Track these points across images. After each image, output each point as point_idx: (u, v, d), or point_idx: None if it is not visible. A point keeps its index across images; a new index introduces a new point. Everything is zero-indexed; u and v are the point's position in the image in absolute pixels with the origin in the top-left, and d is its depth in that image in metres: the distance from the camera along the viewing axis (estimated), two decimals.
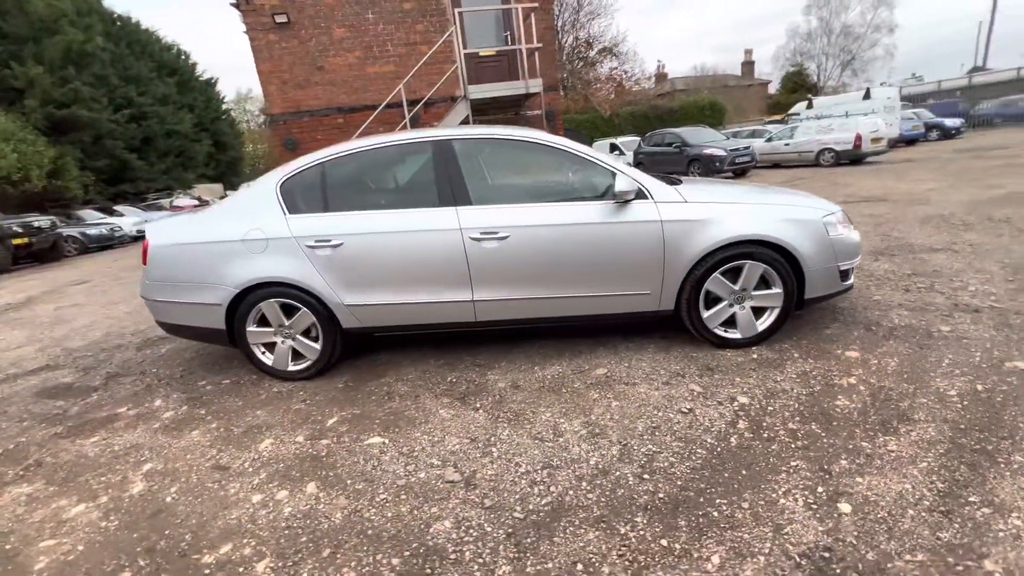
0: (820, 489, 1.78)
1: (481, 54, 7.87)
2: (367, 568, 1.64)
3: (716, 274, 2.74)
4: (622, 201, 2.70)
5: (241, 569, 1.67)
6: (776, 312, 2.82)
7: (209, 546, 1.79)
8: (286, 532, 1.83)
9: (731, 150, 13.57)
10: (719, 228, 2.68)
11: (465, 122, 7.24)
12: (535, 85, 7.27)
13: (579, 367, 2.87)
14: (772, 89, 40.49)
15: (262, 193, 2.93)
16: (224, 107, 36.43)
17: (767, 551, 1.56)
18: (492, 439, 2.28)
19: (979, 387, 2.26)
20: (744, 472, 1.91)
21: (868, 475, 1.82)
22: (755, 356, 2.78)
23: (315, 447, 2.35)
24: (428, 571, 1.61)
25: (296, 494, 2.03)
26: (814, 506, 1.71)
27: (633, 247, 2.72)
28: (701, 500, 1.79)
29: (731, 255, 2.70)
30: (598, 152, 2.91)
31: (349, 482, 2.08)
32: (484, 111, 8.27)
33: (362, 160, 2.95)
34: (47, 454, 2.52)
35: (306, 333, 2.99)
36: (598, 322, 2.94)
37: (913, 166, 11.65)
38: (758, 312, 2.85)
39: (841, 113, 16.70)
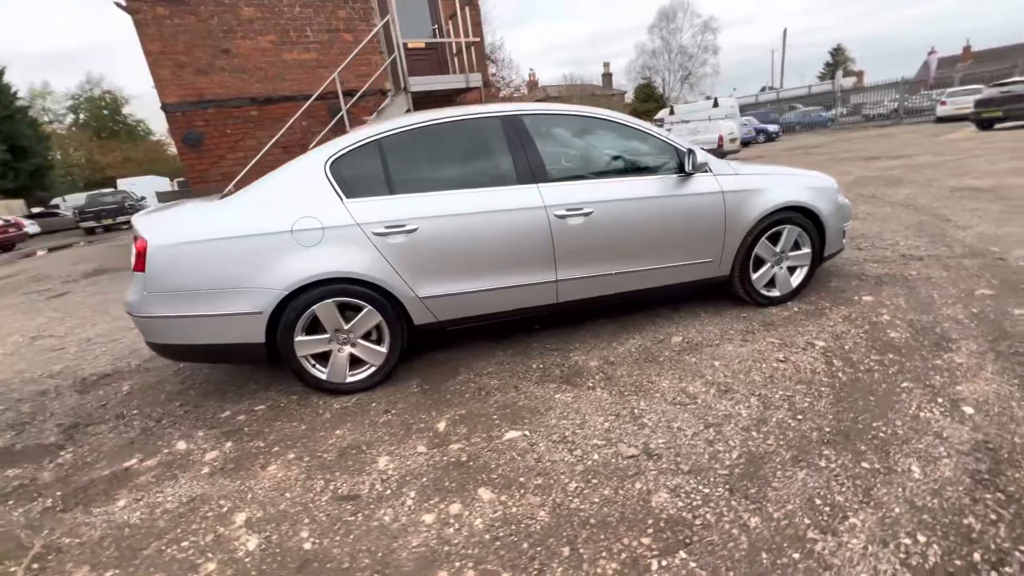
0: (939, 399, 2.11)
1: (410, 45, 7.52)
2: (624, 555, 1.51)
3: (763, 239, 3.05)
4: (688, 174, 2.85)
5: None
6: (806, 270, 3.23)
7: None
8: (498, 544, 1.59)
9: None
10: (768, 197, 2.99)
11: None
12: (475, 79, 7.18)
13: (654, 338, 2.96)
14: (627, 99, 45.39)
15: (307, 175, 2.47)
16: (19, 103, 29.15)
17: (947, 453, 1.80)
18: (635, 411, 2.24)
19: (974, 310, 2.87)
20: (872, 399, 2.17)
21: (962, 383, 2.20)
22: (796, 310, 3.15)
23: (448, 453, 2.06)
24: (686, 540, 1.54)
25: (472, 504, 1.77)
26: (947, 414, 2.02)
27: (701, 217, 2.89)
28: (861, 427, 2.00)
29: (775, 221, 3.03)
30: (658, 128, 3.04)
31: (523, 479, 1.87)
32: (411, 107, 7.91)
33: (425, 136, 2.65)
34: (57, 535, 1.81)
35: (366, 336, 2.59)
36: (666, 293, 3.04)
37: (764, 161, 14.04)
38: (791, 271, 3.23)
39: (701, 118, 19.52)
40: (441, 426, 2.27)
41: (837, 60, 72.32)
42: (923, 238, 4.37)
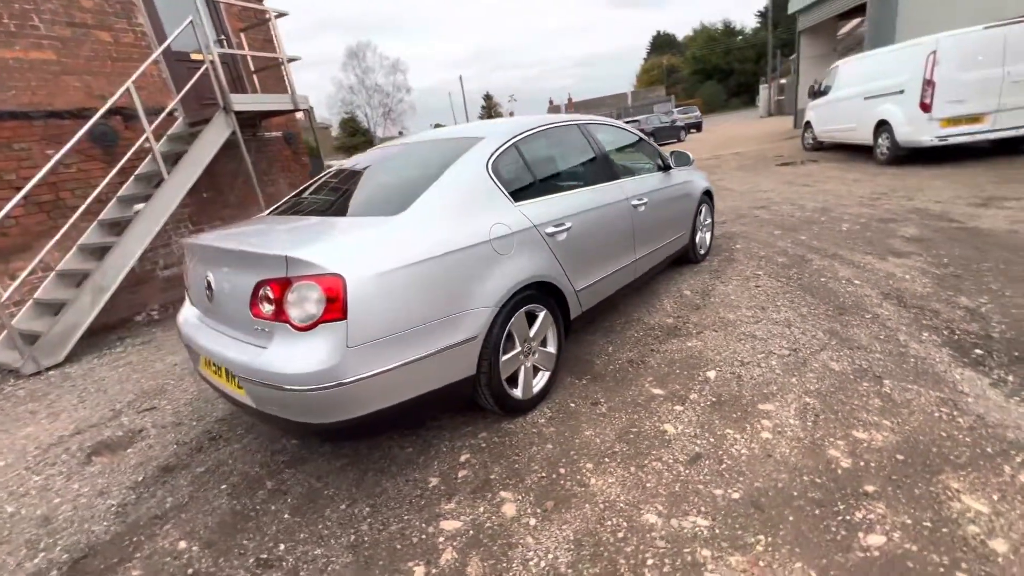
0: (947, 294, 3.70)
1: (193, 57, 6.02)
2: None
3: (699, 216, 4.32)
4: (669, 168, 3.83)
5: None
6: (712, 229, 4.70)
7: None
8: None
9: None
10: (698, 184, 4.26)
11: (233, 139, 5.50)
12: (304, 101, 6.35)
13: (692, 304, 3.80)
14: (333, 133, 44.94)
15: (476, 178, 2.24)
16: None
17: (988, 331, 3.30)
18: (805, 336, 3.02)
19: (915, 233, 4.86)
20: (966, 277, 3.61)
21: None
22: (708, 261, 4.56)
23: (730, 433, 2.36)
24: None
25: (757, 421, 2.21)
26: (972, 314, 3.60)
27: (682, 200, 3.91)
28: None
29: (700, 202, 4.34)
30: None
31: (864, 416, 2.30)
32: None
33: (547, 138, 2.74)
34: None
35: (542, 342, 2.51)
36: (663, 265, 3.90)
37: None
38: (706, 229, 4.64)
39: None
40: (655, 390, 2.51)
41: (490, 104, 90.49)
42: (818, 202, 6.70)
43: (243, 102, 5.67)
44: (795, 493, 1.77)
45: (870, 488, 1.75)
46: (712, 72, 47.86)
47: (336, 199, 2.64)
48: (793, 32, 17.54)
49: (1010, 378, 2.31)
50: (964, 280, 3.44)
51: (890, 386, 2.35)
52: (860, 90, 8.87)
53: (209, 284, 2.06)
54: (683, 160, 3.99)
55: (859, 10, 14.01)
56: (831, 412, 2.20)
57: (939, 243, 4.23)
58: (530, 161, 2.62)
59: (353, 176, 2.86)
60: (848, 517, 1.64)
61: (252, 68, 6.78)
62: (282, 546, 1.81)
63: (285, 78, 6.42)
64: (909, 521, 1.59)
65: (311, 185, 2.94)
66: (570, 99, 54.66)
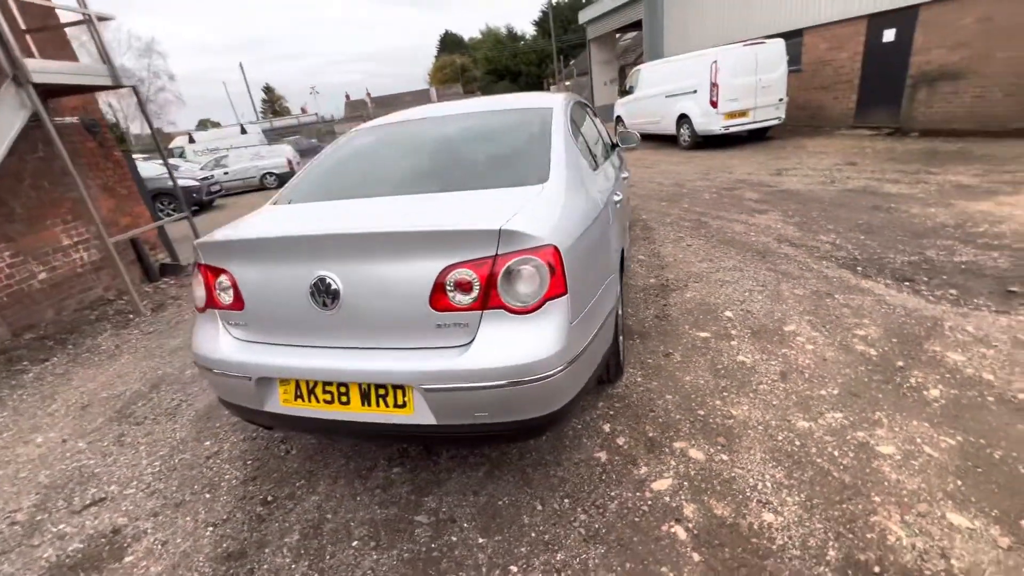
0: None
1: None
2: None
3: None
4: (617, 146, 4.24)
5: None
6: None
7: None
8: None
9: (202, 180, 12.50)
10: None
11: (34, 121, 3.78)
12: (127, 75, 4.72)
13: (657, 265, 4.25)
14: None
15: (570, 144, 2.20)
16: None
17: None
18: (759, 275, 3.62)
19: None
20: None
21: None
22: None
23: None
24: None
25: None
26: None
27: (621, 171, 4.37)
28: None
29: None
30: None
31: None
32: None
33: (575, 112, 2.72)
34: None
35: None
36: None
37: None
38: None
39: (227, 146, 18.48)
40: (701, 334, 2.87)
41: (272, 97, 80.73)
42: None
43: (47, 71, 4.02)
44: (865, 379, 2.32)
45: (900, 363, 2.41)
46: (504, 73, 51.77)
47: (414, 175, 2.22)
48: (570, 40, 20.41)
49: (890, 281, 3.36)
50: (811, 224, 4.73)
51: (842, 299, 3.17)
52: (662, 90, 10.94)
53: (325, 288, 1.56)
54: (626, 139, 4.43)
55: (633, 25, 17.09)
56: (829, 322, 2.87)
57: (776, 202, 5.67)
58: (575, 133, 2.65)
59: (396, 154, 2.46)
60: (906, 383, 2.24)
61: (22, 25, 4.80)
62: (515, 567, 1.56)
63: (95, 41, 4.75)
64: (938, 376, 2.27)
65: (323, 170, 2.42)
66: (368, 94, 52.77)
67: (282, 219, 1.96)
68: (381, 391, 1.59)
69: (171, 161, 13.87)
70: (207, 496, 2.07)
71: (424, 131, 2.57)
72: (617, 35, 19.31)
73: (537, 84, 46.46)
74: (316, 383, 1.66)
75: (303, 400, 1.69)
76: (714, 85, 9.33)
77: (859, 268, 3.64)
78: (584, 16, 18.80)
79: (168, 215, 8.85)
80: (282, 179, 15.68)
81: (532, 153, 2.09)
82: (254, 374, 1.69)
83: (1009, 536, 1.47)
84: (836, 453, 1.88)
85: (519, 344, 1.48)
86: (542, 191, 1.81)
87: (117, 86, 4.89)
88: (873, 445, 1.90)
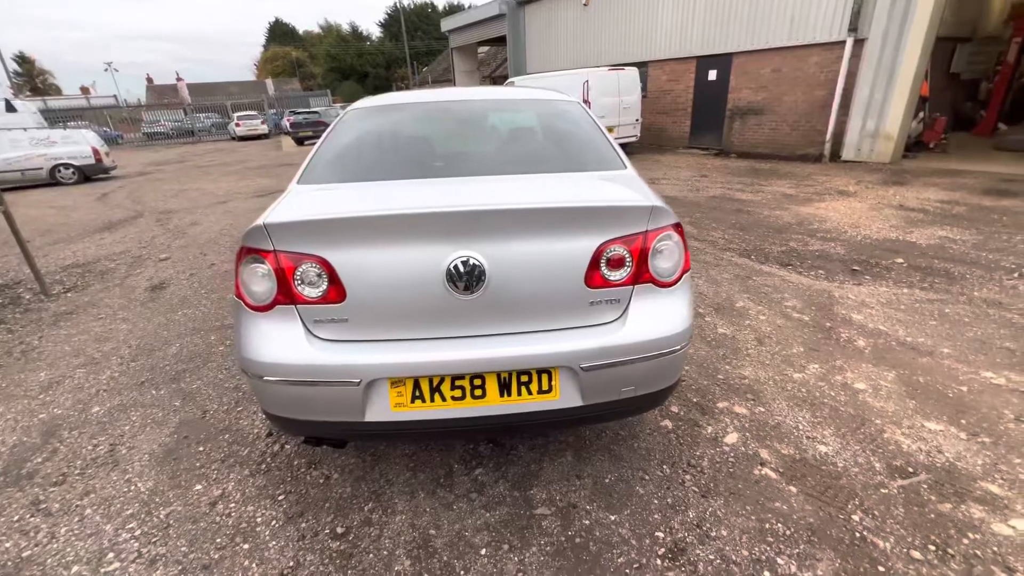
0: None
1: None
2: None
3: None
4: None
5: None
6: None
7: None
8: None
9: None
10: None
11: None
12: None
13: None
14: None
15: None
16: None
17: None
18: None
19: None
20: None
21: None
22: None
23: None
24: None
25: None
26: None
27: None
28: None
29: None
30: None
31: None
32: None
33: None
34: None
35: None
36: None
37: (159, 176, 13.06)
38: None
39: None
40: None
41: (29, 69, 62.99)
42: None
43: None
44: (814, 338, 2.92)
45: (828, 324, 3.10)
46: (349, 72, 48.98)
47: (487, 157, 2.11)
48: (418, 48, 20.51)
49: (776, 265, 4.25)
50: (701, 223, 5.66)
51: (759, 280, 3.91)
52: None
53: (469, 270, 1.40)
54: None
55: (493, 40, 17.90)
56: (763, 298, 3.52)
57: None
58: None
59: (450, 134, 2.29)
60: (840, 338, 2.91)
61: None
62: (660, 532, 1.61)
63: None
64: (855, 331, 2.99)
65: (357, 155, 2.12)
66: (179, 78, 44.98)
67: (371, 198, 1.67)
68: (524, 378, 1.50)
69: None
70: (246, 547, 1.64)
71: (469, 112, 2.44)
72: (479, 48, 20.00)
73: (386, 86, 45.16)
74: (444, 378, 1.48)
75: (423, 401, 1.49)
76: (586, 101, 10.38)
77: (753, 256, 4.51)
78: (447, 25, 19.03)
79: None
80: (85, 173, 12.41)
81: (592, 141, 2.17)
82: (365, 377, 1.43)
83: (964, 432, 2.07)
84: (832, 393, 2.36)
85: (668, 316, 1.56)
86: (630, 175, 1.91)
87: None
88: (851, 384, 2.43)
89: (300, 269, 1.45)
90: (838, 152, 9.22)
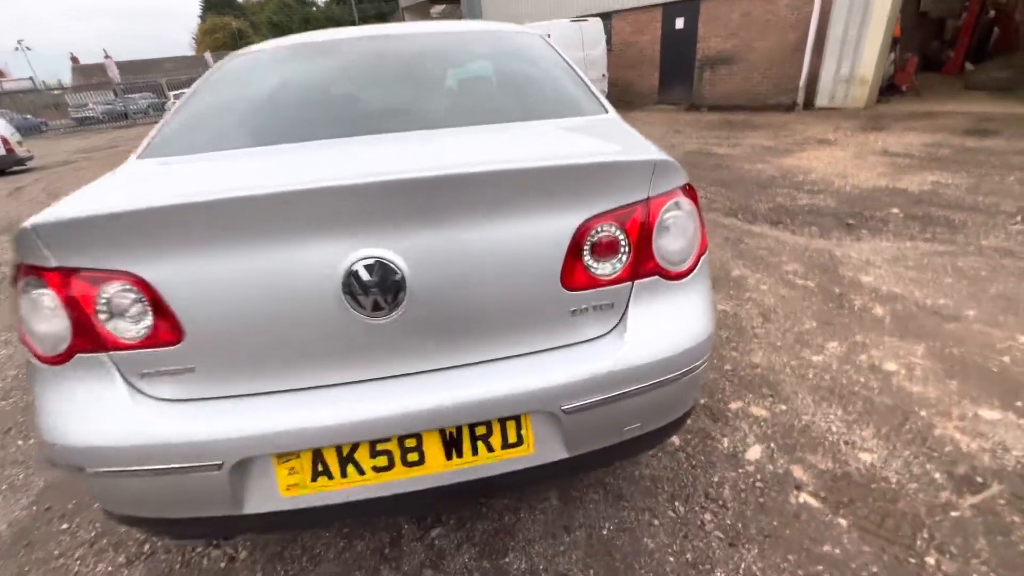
0: None
1: None
2: None
3: None
4: None
5: None
6: None
7: None
8: None
9: None
10: None
11: None
12: None
13: None
14: None
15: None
16: None
17: None
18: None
19: None
20: None
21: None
22: None
23: None
24: None
25: None
26: None
27: None
28: None
29: None
30: None
31: None
32: None
33: None
34: None
35: None
36: None
37: (84, 164, 11.77)
38: None
39: None
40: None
41: None
42: None
43: None
44: (825, 309, 2.53)
45: (837, 290, 2.71)
46: None
47: (417, 107, 1.52)
48: (366, 10, 19.12)
49: (766, 225, 3.85)
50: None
51: (752, 243, 3.49)
52: None
53: (379, 279, 0.88)
54: None
55: None
56: (759, 263, 3.11)
57: None
58: None
59: (362, 81, 1.68)
60: (855, 306, 2.52)
61: None
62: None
63: None
64: (869, 296, 2.61)
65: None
66: (107, 56, 41.22)
67: (232, 173, 1.11)
68: (481, 430, 1.01)
69: None
70: None
71: (394, 51, 1.81)
72: (431, 6, 18.62)
73: None
74: (356, 445, 0.97)
75: (330, 478, 0.98)
76: None
77: (740, 216, 4.09)
78: None
79: None
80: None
81: (557, 79, 1.62)
82: (229, 456, 0.91)
83: (1021, 417, 1.71)
84: (861, 379, 1.97)
85: (682, 322, 1.07)
86: (613, 120, 1.39)
87: None
88: (880, 365, 2.05)
89: (102, 295, 0.90)
90: (812, 100, 8.84)
